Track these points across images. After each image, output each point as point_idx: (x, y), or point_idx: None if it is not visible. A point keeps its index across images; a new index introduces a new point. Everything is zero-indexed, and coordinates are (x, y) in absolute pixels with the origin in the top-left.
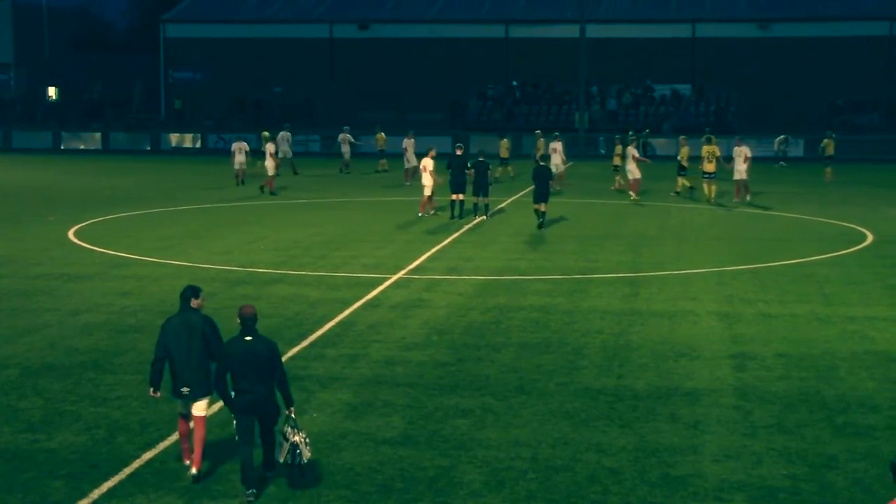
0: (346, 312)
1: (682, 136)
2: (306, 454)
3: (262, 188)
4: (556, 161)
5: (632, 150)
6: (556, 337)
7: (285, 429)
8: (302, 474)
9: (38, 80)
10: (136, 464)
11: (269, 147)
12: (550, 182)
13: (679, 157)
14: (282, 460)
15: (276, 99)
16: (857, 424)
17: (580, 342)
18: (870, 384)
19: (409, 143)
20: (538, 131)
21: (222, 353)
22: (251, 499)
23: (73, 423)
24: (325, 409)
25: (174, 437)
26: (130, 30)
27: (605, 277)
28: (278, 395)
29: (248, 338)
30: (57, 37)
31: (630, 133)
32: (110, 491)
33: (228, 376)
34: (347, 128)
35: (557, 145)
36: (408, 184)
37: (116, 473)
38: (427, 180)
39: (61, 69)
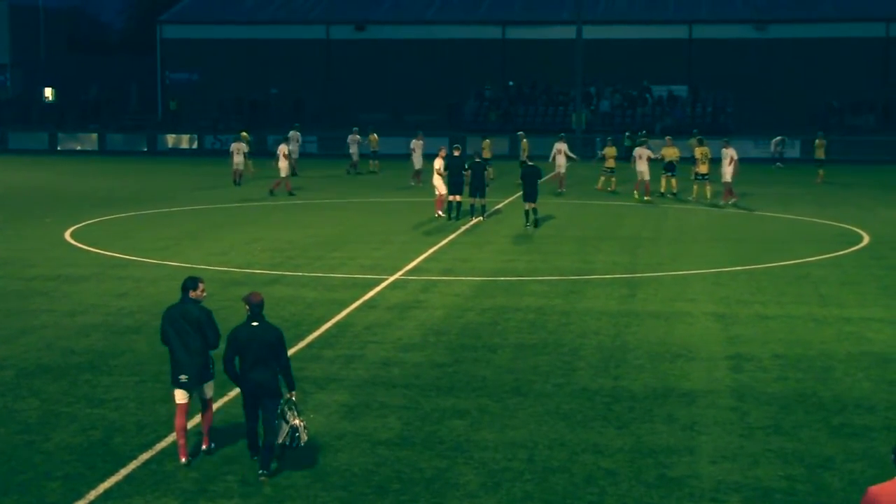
0: (343, 313)
1: (667, 137)
2: (304, 438)
3: (290, 192)
4: (560, 162)
5: (645, 152)
6: (552, 338)
7: (286, 412)
8: (288, 450)
9: (35, 80)
10: (132, 465)
11: (283, 148)
12: (545, 180)
13: (668, 157)
14: (280, 441)
15: (272, 100)
16: (853, 425)
17: (576, 343)
18: (866, 385)
19: (417, 145)
20: (520, 132)
21: (232, 337)
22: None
23: (70, 424)
24: (321, 410)
25: (171, 438)
26: (127, 31)
27: (602, 278)
28: (281, 381)
29: (255, 323)
30: (53, 37)
31: (627, 133)
32: (107, 492)
33: (237, 360)
34: (356, 129)
35: (562, 146)
36: (412, 184)
37: (113, 475)
38: (437, 180)
39: (57, 70)
